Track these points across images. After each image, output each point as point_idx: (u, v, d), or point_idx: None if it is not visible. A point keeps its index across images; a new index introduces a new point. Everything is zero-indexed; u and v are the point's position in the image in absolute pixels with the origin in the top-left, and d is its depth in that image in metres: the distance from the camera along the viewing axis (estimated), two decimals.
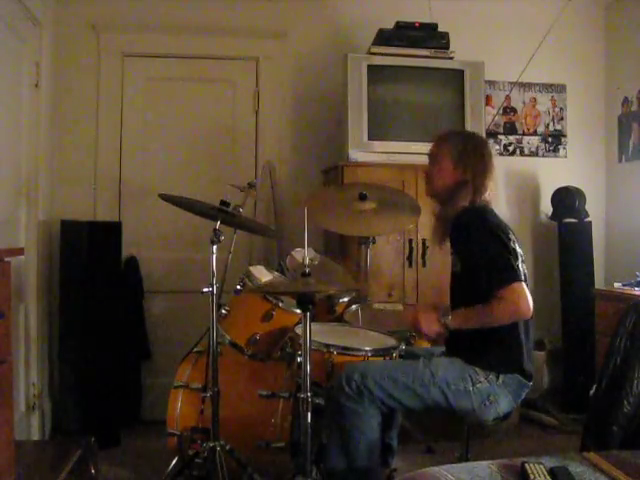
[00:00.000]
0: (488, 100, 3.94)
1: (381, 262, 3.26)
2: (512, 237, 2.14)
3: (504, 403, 2.12)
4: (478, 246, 2.08)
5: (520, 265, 2.10)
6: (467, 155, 2.26)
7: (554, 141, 4.13)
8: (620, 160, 4.00)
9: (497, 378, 2.10)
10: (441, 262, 3.16)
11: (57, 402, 3.46)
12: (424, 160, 3.38)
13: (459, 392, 2.08)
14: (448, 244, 2.27)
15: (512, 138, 4.09)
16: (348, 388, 2.06)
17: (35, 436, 3.21)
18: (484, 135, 3.58)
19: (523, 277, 2.07)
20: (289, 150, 3.86)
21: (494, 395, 2.09)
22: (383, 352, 2.29)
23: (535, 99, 4.10)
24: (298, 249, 2.92)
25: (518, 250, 2.13)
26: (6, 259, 1.74)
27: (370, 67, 3.40)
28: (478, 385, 2.08)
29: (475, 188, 2.22)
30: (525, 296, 1.98)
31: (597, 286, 3.78)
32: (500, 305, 2.00)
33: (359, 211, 2.88)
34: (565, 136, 4.14)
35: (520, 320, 2.06)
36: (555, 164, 4.12)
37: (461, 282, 2.22)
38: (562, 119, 4.13)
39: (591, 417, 2.32)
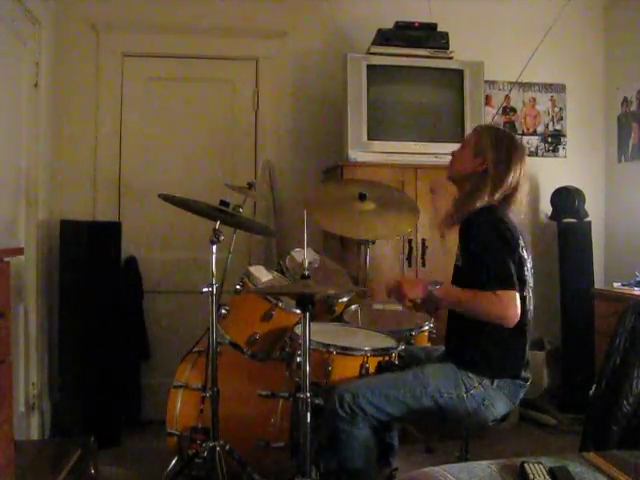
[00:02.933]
0: (488, 100, 3.94)
1: (381, 262, 3.26)
2: (522, 243, 2.12)
3: (500, 406, 2.10)
4: (484, 248, 2.06)
5: (527, 273, 2.10)
6: (489, 147, 2.19)
7: (553, 141, 4.14)
8: (620, 160, 4.00)
9: (492, 382, 2.08)
10: (441, 262, 3.17)
11: (57, 402, 3.45)
12: (424, 160, 3.43)
13: (452, 400, 2.07)
14: (451, 237, 2.26)
15: None
16: (341, 410, 2.05)
17: (35, 436, 3.21)
18: None
19: (528, 286, 2.09)
20: (289, 150, 3.86)
21: (489, 399, 2.07)
22: (383, 352, 2.29)
23: (534, 99, 4.10)
24: (298, 249, 2.93)
25: (525, 257, 2.12)
26: (6, 259, 1.74)
27: (370, 67, 3.40)
28: (472, 391, 2.07)
29: (493, 182, 2.16)
30: (516, 305, 1.97)
31: (597, 286, 3.79)
32: (493, 300, 1.97)
33: (359, 211, 2.88)
34: (565, 136, 4.14)
35: (502, 324, 2.01)
36: (555, 164, 4.12)
37: (462, 276, 2.19)
38: (561, 119, 4.14)
39: (590, 417, 2.31)
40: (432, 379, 2.09)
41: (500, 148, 2.19)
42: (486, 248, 2.06)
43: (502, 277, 2.00)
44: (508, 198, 2.20)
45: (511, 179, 2.17)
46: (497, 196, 2.17)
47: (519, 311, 1.97)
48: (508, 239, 2.07)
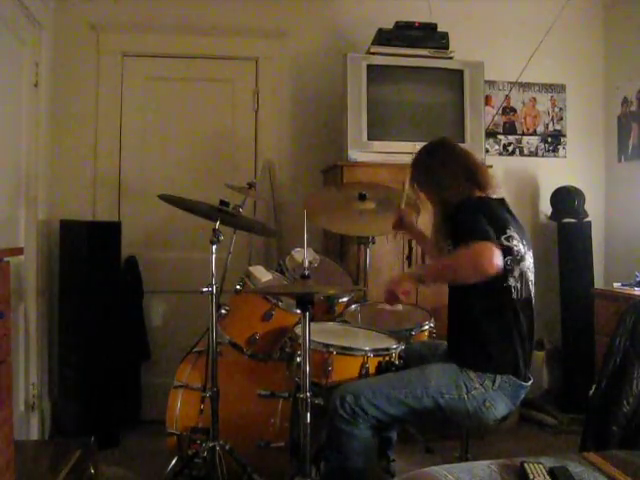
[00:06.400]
0: (488, 100, 3.94)
1: (380, 262, 3.26)
2: (510, 232, 2.08)
3: (501, 407, 2.09)
4: (463, 223, 2.04)
5: (519, 248, 2.07)
6: (421, 173, 2.29)
7: (553, 141, 4.14)
8: (619, 160, 4.00)
9: (492, 383, 2.06)
10: None
11: (57, 402, 3.45)
12: None
13: (453, 400, 2.06)
14: None
15: (512, 138, 4.09)
16: (342, 411, 2.05)
17: (34, 436, 3.21)
18: (483, 135, 3.59)
19: (522, 268, 2.07)
20: (289, 150, 3.86)
21: (490, 400, 2.07)
22: (383, 352, 2.29)
23: (535, 99, 4.10)
24: (298, 249, 2.93)
25: (515, 247, 2.07)
26: (6, 259, 1.74)
27: (370, 67, 3.40)
28: (473, 392, 2.06)
29: (473, 182, 2.19)
30: (491, 252, 1.84)
31: (597, 286, 3.79)
32: (464, 252, 1.89)
33: (359, 211, 2.89)
34: (564, 136, 4.14)
35: (483, 276, 1.88)
36: (554, 164, 4.12)
37: None
38: (561, 119, 4.14)
39: (590, 417, 2.32)
40: (433, 379, 2.08)
41: (427, 165, 2.27)
42: (464, 222, 2.04)
43: (475, 231, 1.93)
44: (481, 185, 2.21)
45: (477, 168, 2.23)
46: (488, 189, 2.21)
47: (497, 259, 1.85)
48: (487, 214, 2.04)
